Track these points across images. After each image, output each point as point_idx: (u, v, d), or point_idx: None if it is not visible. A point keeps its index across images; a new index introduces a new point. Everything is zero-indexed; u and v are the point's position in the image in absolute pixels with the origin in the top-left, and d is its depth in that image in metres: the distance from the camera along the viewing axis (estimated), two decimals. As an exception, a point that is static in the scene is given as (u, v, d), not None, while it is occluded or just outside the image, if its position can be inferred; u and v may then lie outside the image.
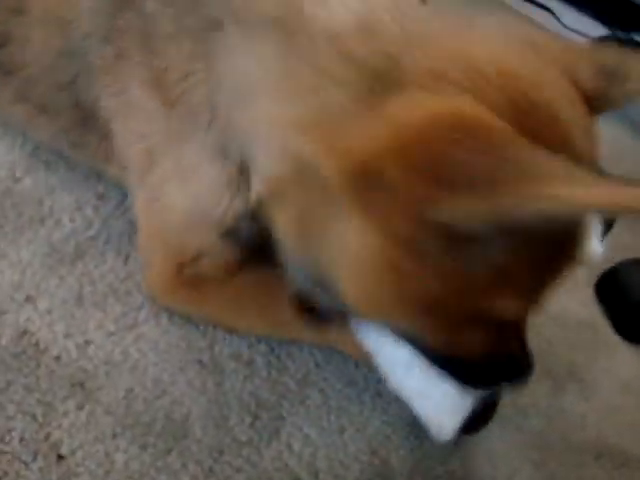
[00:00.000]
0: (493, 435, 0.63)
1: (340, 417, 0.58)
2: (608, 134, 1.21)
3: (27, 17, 0.59)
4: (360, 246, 0.40)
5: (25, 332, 0.56)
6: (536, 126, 0.39)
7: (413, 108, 0.38)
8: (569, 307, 0.86)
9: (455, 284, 0.40)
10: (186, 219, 0.54)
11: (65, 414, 0.52)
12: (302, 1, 0.45)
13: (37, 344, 0.56)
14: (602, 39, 1.10)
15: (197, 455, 0.53)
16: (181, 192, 0.54)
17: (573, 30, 1.18)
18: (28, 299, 0.58)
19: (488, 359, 0.48)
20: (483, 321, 0.44)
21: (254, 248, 0.55)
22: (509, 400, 0.63)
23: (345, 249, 0.42)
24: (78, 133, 0.63)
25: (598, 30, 1.16)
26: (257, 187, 0.48)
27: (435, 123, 0.36)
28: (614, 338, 0.85)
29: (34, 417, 0.51)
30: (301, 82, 0.43)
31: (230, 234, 0.54)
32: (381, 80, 0.41)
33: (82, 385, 0.54)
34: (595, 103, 0.45)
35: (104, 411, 0.53)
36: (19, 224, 0.64)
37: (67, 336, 0.57)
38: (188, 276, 0.56)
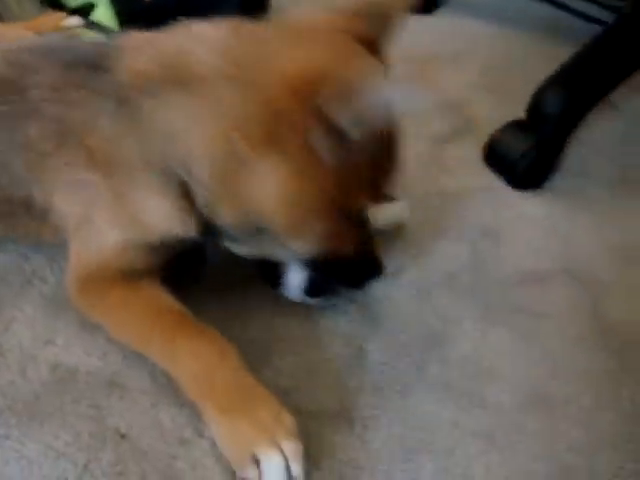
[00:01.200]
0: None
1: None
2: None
3: None
4: (273, 177, 0.59)
5: (56, 365, 0.71)
6: None
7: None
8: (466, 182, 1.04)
9: (335, 180, 0.60)
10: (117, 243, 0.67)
11: (111, 407, 0.67)
12: (178, 58, 0.62)
13: (68, 369, 0.70)
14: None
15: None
16: (115, 222, 0.66)
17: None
18: (47, 341, 0.73)
19: (358, 259, 0.69)
20: (353, 220, 0.65)
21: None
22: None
23: (265, 188, 0.60)
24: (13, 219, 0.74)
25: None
26: (201, 193, 0.63)
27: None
28: (510, 193, 1.03)
29: (93, 418, 0.66)
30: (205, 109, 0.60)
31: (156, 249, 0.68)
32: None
33: (115, 383, 0.69)
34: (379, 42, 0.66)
35: (139, 392, 0.69)
36: (12, 290, 0.78)
37: (87, 355, 0.72)
38: (98, 284, 0.69)
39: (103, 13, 1.18)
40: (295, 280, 0.73)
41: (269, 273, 0.75)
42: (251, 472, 0.59)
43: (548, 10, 1.52)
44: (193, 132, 0.60)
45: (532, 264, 0.90)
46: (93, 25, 1.17)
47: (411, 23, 1.50)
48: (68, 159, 0.66)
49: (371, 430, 0.68)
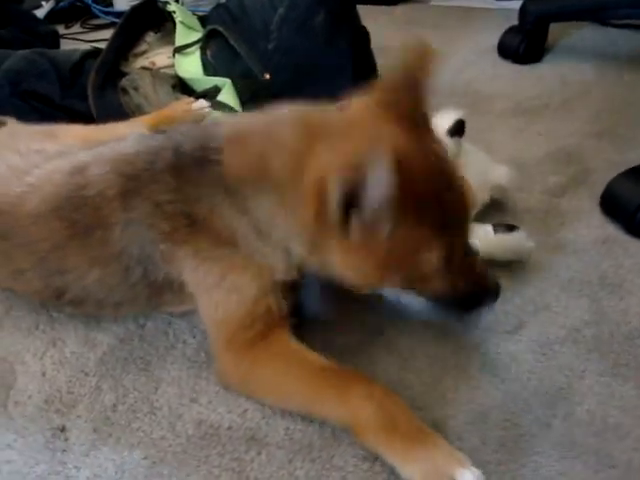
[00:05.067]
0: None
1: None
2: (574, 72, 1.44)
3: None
4: (341, 257, 0.72)
5: (201, 421, 0.78)
6: None
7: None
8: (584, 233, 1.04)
9: (391, 254, 0.70)
10: (248, 301, 0.78)
11: (251, 461, 0.73)
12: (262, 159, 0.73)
13: (212, 425, 0.78)
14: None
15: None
16: (247, 279, 0.78)
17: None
18: (192, 400, 0.81)
19: (455, 298, 0.77)
20: (429, 275, 0.74)
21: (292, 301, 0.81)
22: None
23: (336, 260, 0.73)
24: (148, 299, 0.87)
25: None
26: (301, 255, 0.77)
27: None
28: (630, 242, 1.02)
29: (235, 471, 0.73)
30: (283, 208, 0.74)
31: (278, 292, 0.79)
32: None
33: (254, 438, 0.76)
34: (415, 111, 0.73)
35: (276, 447, 0.74)
36: (159, 353, 0.88)
37: (229, 412, 0.79)
38: (245, 344, 0.78)
39: (227, 95, 1.31)
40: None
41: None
42: None
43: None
44: (282, 223, 0.75)
45: (657, 316, 0.88)
46: (219, 105, 1.30)
47: (519, 73, 1.54)
48: (197, 244, 0.78)
49: (496, 487, 0.69)
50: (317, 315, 0.87)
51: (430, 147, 0.72)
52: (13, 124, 1.14)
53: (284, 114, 0.77)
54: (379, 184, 0.63)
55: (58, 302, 0.90)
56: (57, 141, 1.00)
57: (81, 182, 0.84)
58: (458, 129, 0.99)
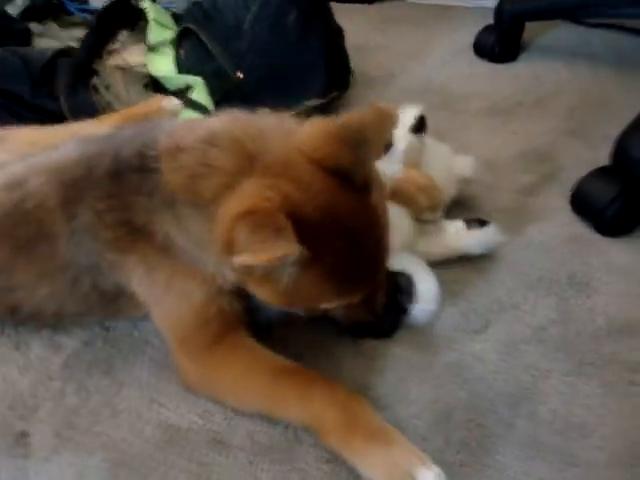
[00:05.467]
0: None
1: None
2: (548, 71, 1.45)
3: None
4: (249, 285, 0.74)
5: (162, 423, 0.78)
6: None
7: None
8: (554, 231, 1.04)
9: (292, 295, 0.70)
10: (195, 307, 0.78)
11: (212, 463, 0.73)
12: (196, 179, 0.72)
13: (173, 426, 0.77)
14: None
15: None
16: (194, 284, 0.77)
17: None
18: (155, 402, 0.80)
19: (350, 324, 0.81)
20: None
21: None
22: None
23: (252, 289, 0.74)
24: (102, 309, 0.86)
25: None
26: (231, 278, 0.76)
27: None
28: (599, 241, 1.02)
29: (194, 473, 0.72)
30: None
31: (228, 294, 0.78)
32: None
33: (215, 440, 0.75)
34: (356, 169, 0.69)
35: (238, 448, 0.74)
36: (122, 355, 0.87)
37: (190, 413, 0.78)
38: (201, 347, 0.78)
39: (199, 93, 1.30)
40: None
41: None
42: None
43: (634, 44, 1.50)
44: (212, 245, 0.71)
45: (624, 315, 0.88)
46: (191, 104, 1.29)
47: (494, 72, 1.54)
48: (141, 251, 0.77)
49: (458, 487, 0.69)
50: (274, 318, 0.86)
51: (358, 208, 0.70)
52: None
53: (223, 130, 0.73)
54: (280, 251, 0.62)
55: (14, 318, 0.89)
56: (3, 147, 0.98)
57: (20, 195, 0.81)
58: (420, 126, 0.98)
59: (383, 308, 0.79)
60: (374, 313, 0.79)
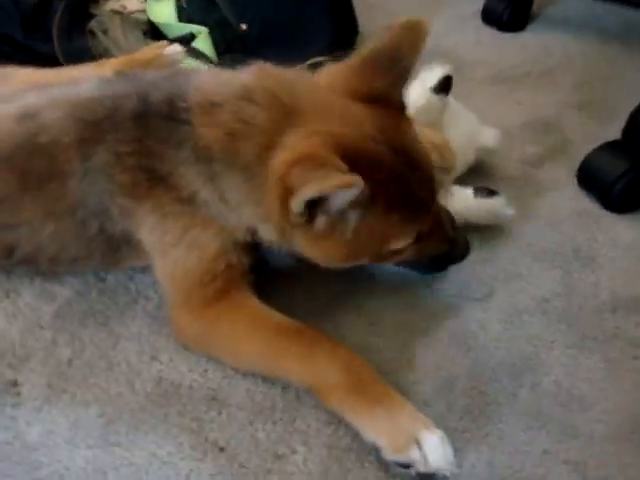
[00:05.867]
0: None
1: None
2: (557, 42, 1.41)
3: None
4: (306, 244, 0.71)
5: (160, 379, 0.76)
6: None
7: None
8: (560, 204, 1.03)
9: (358, 243, 0.69)
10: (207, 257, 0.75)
11: (211, 421, 0.71)
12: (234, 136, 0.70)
13: (172, 384, 0.75)
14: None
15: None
16: (209, 235, 0.75)
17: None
18: (152, 357, 0.78)
19: (423, 262, 0.78)
20: (398, 252, 0.74)
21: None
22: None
23: (302, 245, 0.72)
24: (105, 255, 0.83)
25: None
26: (268, 236, 0.75)
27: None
28: (605, 216, 1.01)
29: (194, 431, 0.70)
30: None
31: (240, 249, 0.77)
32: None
33: (214, 398, 0.73)
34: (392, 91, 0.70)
35: (237, 407, 0.72)
36: (119, 309, 0.84)
37: (190, 371, 0.76)
38: (203, 301, 0.75)
39: (203, 43, 1.25)
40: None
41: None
42: (415, 452, 0.64)
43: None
44: (249, 203, 0.72)
45: (628, 290, 0.87)
46: (194, 53, 1.24)
47: (502, 41, 1.51)
48: (158, 199, 0.74)
49: (459, 453, 0.68)
50: (283, 269, 0.86)
51: (401, 128, 0.70)
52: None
53: (257, 86, 0.71)
54: (343, 196, 0.62)
55: (8, 261, 0.85)
56: (4, 85, 0.94)
57: (32, 128, 0.77)
58: (444, 86, 0.95)
59: (453, 229, 0.77)
60: (447, 237, 0.76)
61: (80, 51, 1.29)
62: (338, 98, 0.69)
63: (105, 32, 1.34)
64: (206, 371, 0.76)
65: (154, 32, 1.36)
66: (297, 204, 0.61)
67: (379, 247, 0.72)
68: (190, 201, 0.73)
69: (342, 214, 0.66)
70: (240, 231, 0.75)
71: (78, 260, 0.83)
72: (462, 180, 0.97)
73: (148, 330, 0.81)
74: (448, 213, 0.79)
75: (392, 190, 0.67)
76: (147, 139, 0.73)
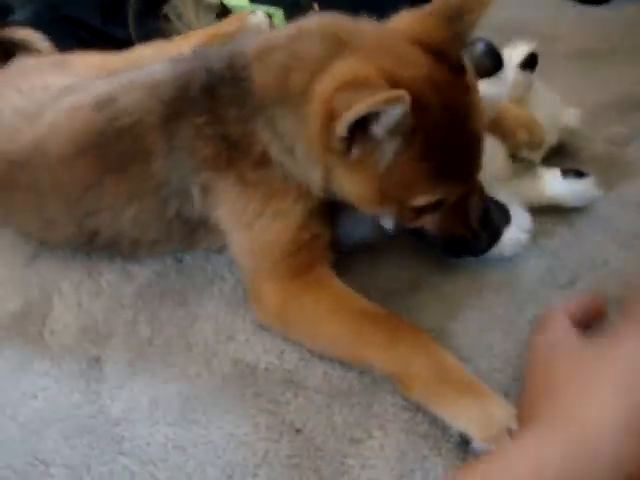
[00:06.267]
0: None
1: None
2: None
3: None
4: (342, 175, 0.70)
5: (237, 360, 0.76)
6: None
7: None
8: None
9: (387, 182, 0.68)
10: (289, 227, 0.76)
11: (287, 403, 0.71)
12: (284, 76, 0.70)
13: (248, 365, 0.76)
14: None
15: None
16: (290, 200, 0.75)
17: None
18: (229, 338, 0.79)
19: (444, 238, 0.75)
20: (420, 212, 0.72)
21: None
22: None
23: (340, 179, 0.71)
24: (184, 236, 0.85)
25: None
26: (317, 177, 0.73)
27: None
28: None
29: (271, 412, 0.71)
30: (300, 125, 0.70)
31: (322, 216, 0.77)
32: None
33: (291, 380, 0.73)
34: (451, 46, 0.68)
35: (314, 390, 0.72)
36: (196, 289, 0.85)
37: (266, 352, 0.77)
38: (289, 273, 0.75)
39: (278, 24, 1.25)
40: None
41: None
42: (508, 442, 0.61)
43: None
44: (301, 140, 0.71)
45: None
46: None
47: (582, 15, 1.44)
48: (238, 170, 0.75)
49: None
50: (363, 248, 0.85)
51: (455, 87, 0.68)
52: (23, 58, 1.09)
53: (312, 26, 0.72)
54: (389, 116, 0.61)
55: (91, 246, 0.88)
56: (66, 72, 0.96)
57: (113, 113, 0.79)
58: (529, 62, 0.92)
59: (478, 221, 0.75)
60: (469, 224, 0.74)
61: (154, 34, 1.31)
62: (400, 41, 0.68)
63: (179, 16, 1.36)
64: (282, 352, 0.76)
65: (227, 15, 1.37)
66: (343, 125, 0.61)
67: (404, 196, 0.70)
68: (264, 162, 0.74)
69: (381, 143, 0.65)
70: (316, 185, 0.74)
71: (157, 243, 0.85)
72: (547, 162, 0.93)
73: (224, 311, 0.82)
74: (479, 205, 0.75)
75: (433, 137, 0.65)
76: (219, 107, 0.74)
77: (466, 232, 0.75)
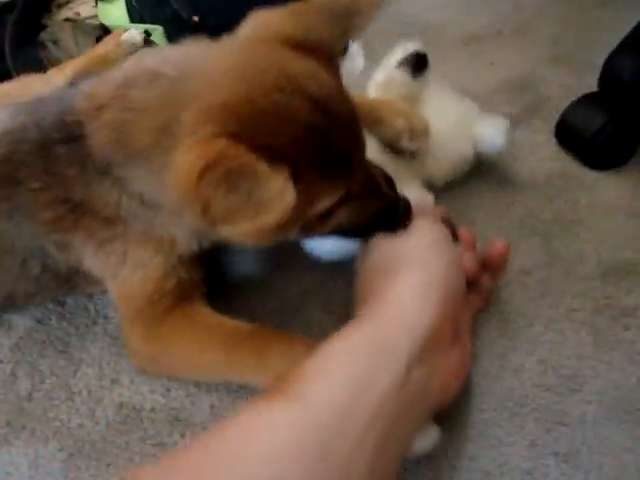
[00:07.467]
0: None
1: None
2: None
3: None
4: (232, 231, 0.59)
5: (122, 404, 0.72)
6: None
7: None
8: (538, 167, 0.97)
9: None
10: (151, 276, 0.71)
11: (174, 444, 0.67)
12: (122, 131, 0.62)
13: (134, 407, 0.71)
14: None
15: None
16: (149, 252, 0.70)
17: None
18: (113, 381, 0.74)
19: (366, 222, 0.68)
20: (329, 214, 0.65)
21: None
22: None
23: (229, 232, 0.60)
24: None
25: None
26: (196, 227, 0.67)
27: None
28: (587, 176, 0.95)
29: (157, 457, 0.67)
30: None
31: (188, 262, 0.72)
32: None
33: (177, 419, 0.69)
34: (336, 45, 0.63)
35: (201, 426, 0.69)
36: (79, 331, 0.80)
37: (152, 392, 0.72)
38: (154, 318, 0.71)
39: (158, 40, 1.21)
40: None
41: None
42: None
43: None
44: (167, 197, 0.63)
45: (617, 254, 0.82)
46: (151, 45, 1.20)
47: (468, 1, 1.44)
48: (88, 229, 0.69)
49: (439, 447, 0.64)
50: (251, 274, 0.81)
51: (320, 81, 0.61)
52: None
53: (137, 69, 0.64)
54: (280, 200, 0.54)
55: None
56: None
57: None
58: (416, 64, 0.88)
59: (389, 186, 0.69)
60: (383, 193, 0.68)
61: (32, 63, 1.25)
62: (247, 48, 0.62)
63: (56, 42, 1.30)
64: (168, 390, 0.72)
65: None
66: (220, 212, 0.54)
67: (303, 211, 0.61)
68: (117, 219, 0.68)
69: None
70: (181, 239, 0.69)
71: (33, 295, 0.79)
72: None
73: (108, 352, 0.77)
74: (384, 172, 0.70)
75: (308, 149, 0.58)
76: (55, 169, 0.67)
77: (382, 203, 0.68)
